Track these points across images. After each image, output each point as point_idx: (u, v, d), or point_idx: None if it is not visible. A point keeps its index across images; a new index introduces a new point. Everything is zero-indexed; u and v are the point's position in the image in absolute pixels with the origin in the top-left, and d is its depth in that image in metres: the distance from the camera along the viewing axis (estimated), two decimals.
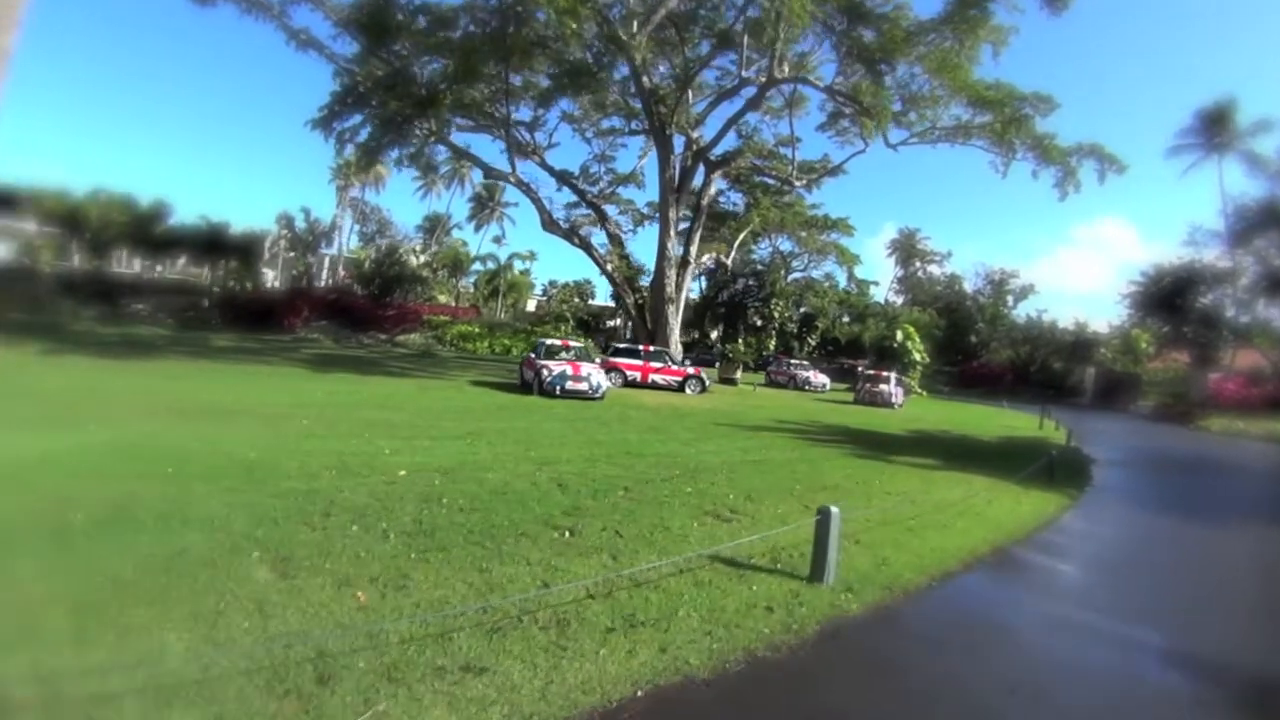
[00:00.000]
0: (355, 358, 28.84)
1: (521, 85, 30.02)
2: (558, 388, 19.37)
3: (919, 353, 40.03)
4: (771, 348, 53.69)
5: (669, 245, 30.21)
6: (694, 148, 31.22)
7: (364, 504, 6.48)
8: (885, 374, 32.30)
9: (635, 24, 26.07)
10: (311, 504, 6.32)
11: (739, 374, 36.86)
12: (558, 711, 3.34)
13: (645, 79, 28.73)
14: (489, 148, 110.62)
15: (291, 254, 60.27)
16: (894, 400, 30.09)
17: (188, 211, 63.54)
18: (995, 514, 9.28)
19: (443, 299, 59.73)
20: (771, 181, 38.25)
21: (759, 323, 57.53)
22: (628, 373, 25.41)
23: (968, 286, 63.55)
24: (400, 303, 48.10)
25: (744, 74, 27.82)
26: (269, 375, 19.14)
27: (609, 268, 33.65)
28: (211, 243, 43.25)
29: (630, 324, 39.49)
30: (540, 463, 9.50)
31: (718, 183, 37.67)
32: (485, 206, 71.15)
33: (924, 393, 39.62)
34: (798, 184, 34.97)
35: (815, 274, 63.64)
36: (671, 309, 30.34)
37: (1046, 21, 34.36)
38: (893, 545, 7.08)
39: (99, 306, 36.00)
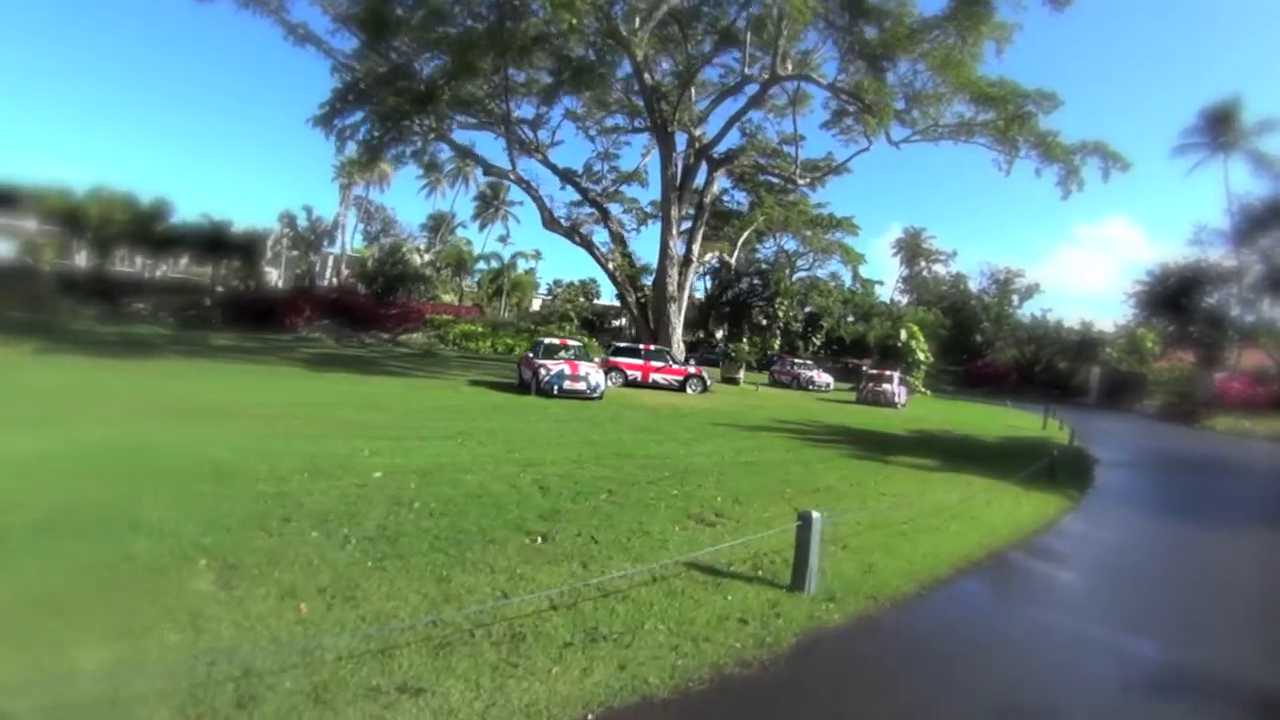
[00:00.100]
0: (354, 357, 28.68)
1: (524, 82, 29.86)
2: (555, 387, 19.13)
3: (923, 352, 39.63)
4: (776, 347, 53.33)
5: (671, 244, 29.96)
6: (696, 145, 30.93)
7: (329, 508, 6.24)
8: (888, 373, 31.96)
9: (637, 20, 25.82)
10: (274, 508, 6.08)
11: (742, 373, 36.58)
12: None
13: (647, 76, 28.49)
14: (493, 145, 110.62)
15: (294, 253, 60.20)
16: (897, 400, 29.75)
17: (189, 210, 63.39)
18: (992, 517, 8.98)
19: (446, 298, 59.57)
20: (775, 180, 38.00)
21: (764, 322, 57.22)
22: (628, 372, 25.16)
23: (973, 286, 63.20)
24: (403, 302, 47.98)
25: (747, 71, 27.54)
26: (263, 375, 18.97)
27: (611, 266, 33.41)
28: (213, 241, 43.29)
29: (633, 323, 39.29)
30: (525, 464, 9.25)
31: (721, 181, 37.42)
32: (490, 205, 70.93)
33: (928, 392, 39.23)
34: (801, 182, 34.69)
35: (820, 273, 63.45)
36: (674, 308, 30.08)
37: (1051, 19, 33.96)
38: (882, 550, 6.80)
39: (99, 305, 36.01)
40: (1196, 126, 44.46)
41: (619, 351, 26.62)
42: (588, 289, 71.64)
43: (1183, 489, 14.95)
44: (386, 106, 26.13)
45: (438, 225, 70.60)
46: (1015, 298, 60.23)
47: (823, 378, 39.36)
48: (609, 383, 22.68)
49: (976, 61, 24.70)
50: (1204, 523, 10.72)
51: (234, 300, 41.46)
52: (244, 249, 44.76)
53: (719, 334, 61.59)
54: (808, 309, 60.60)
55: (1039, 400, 36.75)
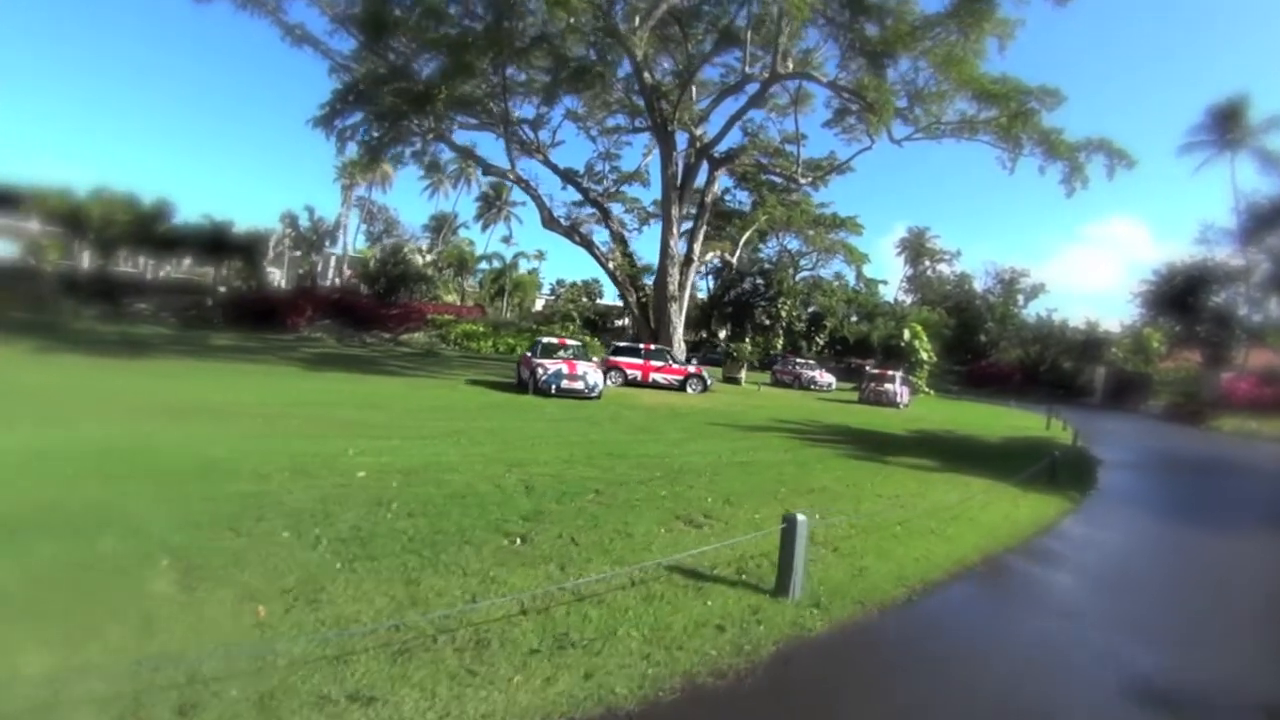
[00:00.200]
0: (354, 357, 28.62)
1: (524, 82, 29.76)
2: (553, 386, 19.01)
3: (926, 352, 39.39)
4: (779, 347, 53.13)
5: (672, 243, 29.82)
6: (697, 145, 30.77)
7: (306, 508, 6.10)
8: (890, 373, 31.75)
9: (637, 19, 25.69)
10: (249, 508, 5.94)
11: (743, 373, 36.40)
12: None
13: (647, 75, 28.34)
14: (494, 146, 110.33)
15: (296, 253, 60.23)
16: (899, 400, 29.53)
17: (192, 210, 63.54)
18: (990, 519, 8.80)
19: (449, 298, 59.53)
20: (777, 179, 37.81)
21: (767, 322, 57.01)
22: (628, 372, 25.03)
23: (977, 285, 62.84)
24: (405, 302, 47.95)
25: (747, 70, 27.36)
26: (260, 374, 18.89)
27: (611, 266, 33.29)
28: (215, 242, 43.29)
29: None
30: (513, 464, 9.11)
31: (723, 181, 37.30)
32: (492, 206, 70.93)
33: (931, 392, 38.97)
34: (803, 181, 34.51)
35: (824, 273, 63.12)
36: (674, 307, 29.93)
37: (1055, 16, 33.73)
38: (874, 553, 6.64)
39: (101, 306, 36.03)
40: (1203, 124, 44.12)
41: (619, 351, 26.49)
42: (591, 289, 71.46)
43: (1187, 490, 14.71)
44: (383, 106, 26.03)
45: (440, 226, 70.63)
46: (1020, 297, 59.87)
47: (825, 377, 39.15)
48: (609, 382, 22.56)
49: (979, 58, 24.46)
50: (1208, 525, 10.50)
51: (236, 300, 41.45)
52: (246, 249, 44.75)
53: (722, 334, 61.39)
54: (811, 309, 60.36)
55: (1043, 400, 36.49)
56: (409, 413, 13.69)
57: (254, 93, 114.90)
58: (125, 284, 41.36)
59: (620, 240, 35.51)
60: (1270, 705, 4.48)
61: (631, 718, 3.35)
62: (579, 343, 26.01)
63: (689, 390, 25.07)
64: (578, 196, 35.55)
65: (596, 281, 71.16)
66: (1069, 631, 5.30)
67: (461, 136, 32.30)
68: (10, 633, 3.46)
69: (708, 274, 60.52)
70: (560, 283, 74.07)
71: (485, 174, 37.72)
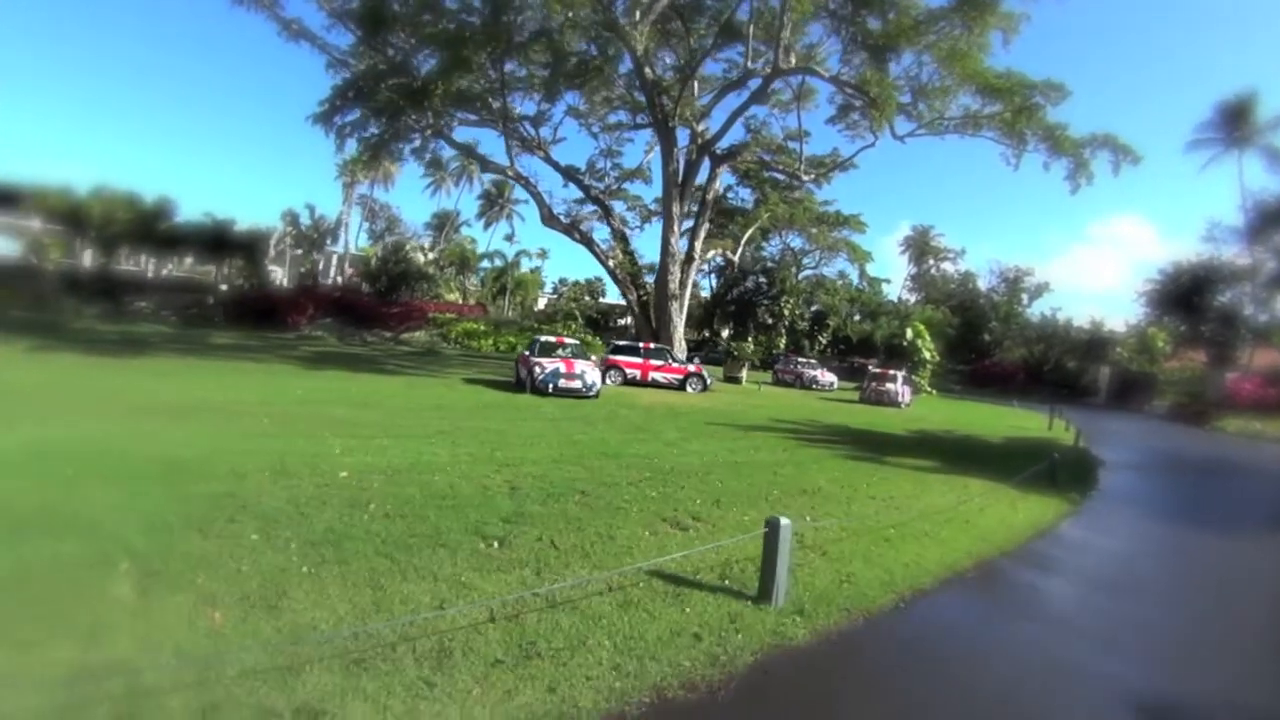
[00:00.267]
0: (353, 355, 28.49)
1: (524, 78, 29.59)
2: (550, 385, 18.84)
3: (929, 351, 39.11)
4: (782, 346, 52.87)
5: (673, 241, 29.66)
6: (699, 141, 30.58)
7: (280, 509, 5.96)
8: (892, 372, 31.50)
9: (638, 13, 25.51)
10: (221, 508, 5.80)
11: (744, 372, 36.18)
12: None
13: (648, 70, 28.17)
14: (496, 143, 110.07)
15: (298, 251, 60.18)
16: (900, 399, 29.30)
17: (193, 209, 63.46)
18: (986, 522, 8.63)
19: (450, 297, 59.45)
20: (780, 176, 37.59)
21: (769, 321, 56.74)
22: (627, 370, 24.85)
23: (982, 284, 62.44)
24: (406, 300, 47.84)
25: (750, 65, 27.18)
26: (257, 373, 18.76)
27: (611, 264, 33.14)
28: (217, 240, 43.18)
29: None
30: (502, 464, 8.96)
31: (725, 178, 37.07)
32: (495, 203, 70.82)
33: (933, 392, 38.71)
34: (806, 179, 34.33)
35: (827, 271, 62.85)
36: (675, 306, 29.77)
37: (1060, 10, 33.43)
38: (863, 558, 6.47)
39: (102, 304, 35.98)
40: (1210, 122, 43.81)
41: (618, 350, 26.32)
42: (593, 287, 71.26)
43: (1190, 492, 14.50)
44: (380, 102, 25.89)
45: (442, 224, 70.55)
46: (1024, 296, 59.45)
47: (826, 377, 38.93)
48: (608, 381, 22.39)
49: (983, 53, 24.23)
50: (1210, 528, 10.29)
51: (237, 299, 41.35)
52: (247, 248, 44.64)
53: (725, 333, 61.14)
54: (814, 307, 60.04)
55: (1047, 400, 36.19)
56: (403, 411, 13.54)
57: (255, 90, 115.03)
58: (126, 282, 41.25)
59: (621, 238, 35.32)
60: (1272, 716, 4.30)
61: None
62: (577, 341, 25.83)
63: (689, 389, 24.89)
64: (579, 194, 35.46)
65: (599, 280, 70.98)
66: (1063, 643, 5.13)
67: (462, 134, 32.22)
68: None
69: (710, 272, 60.36)
70: (563, 281, 73.93)
71: (484, 171, 37.58)
